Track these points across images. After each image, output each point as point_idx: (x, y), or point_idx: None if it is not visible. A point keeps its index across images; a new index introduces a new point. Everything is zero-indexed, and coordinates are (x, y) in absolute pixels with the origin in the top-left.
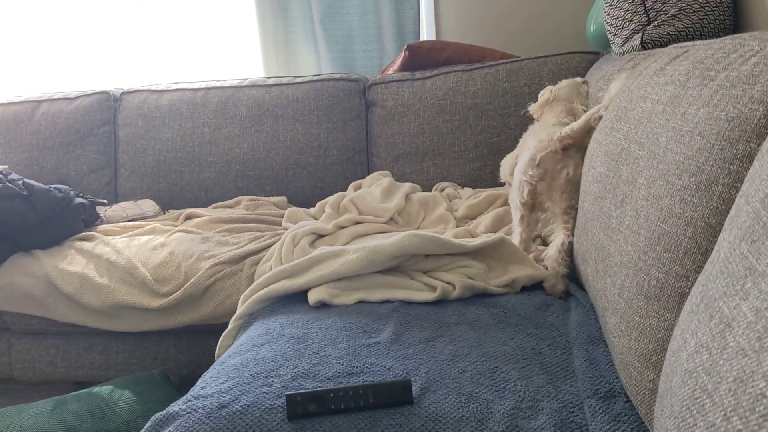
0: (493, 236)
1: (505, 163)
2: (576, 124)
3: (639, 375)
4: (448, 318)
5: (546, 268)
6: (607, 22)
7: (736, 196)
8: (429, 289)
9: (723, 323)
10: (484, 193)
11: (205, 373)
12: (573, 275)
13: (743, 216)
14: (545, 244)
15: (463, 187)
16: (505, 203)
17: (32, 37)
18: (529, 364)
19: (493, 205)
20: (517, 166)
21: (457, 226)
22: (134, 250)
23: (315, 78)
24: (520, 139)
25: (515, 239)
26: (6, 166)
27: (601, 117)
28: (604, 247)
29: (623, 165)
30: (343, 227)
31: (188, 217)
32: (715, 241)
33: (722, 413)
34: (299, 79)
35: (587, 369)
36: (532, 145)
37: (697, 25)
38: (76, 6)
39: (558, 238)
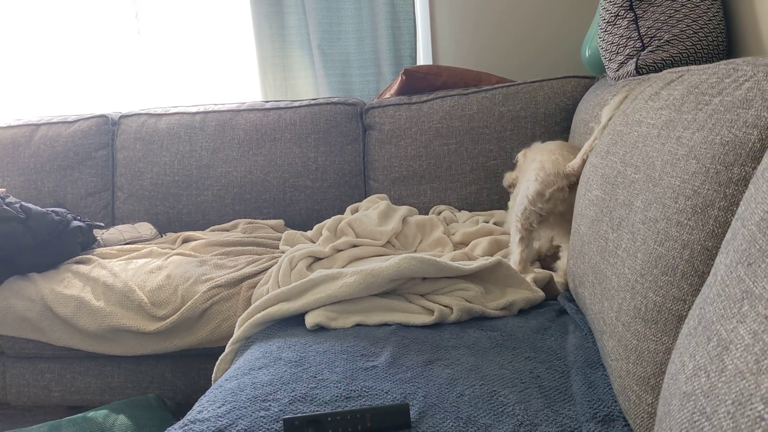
0: (491, 259)
1: (507, 177)
2: (574, 163)
3: (637, 398)
4: (446, 341)
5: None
6: (602, 48)
7: (732, 220)
8: (426, 312)
9: (721, 346)
10: (479, 224)
11: (202, 397)
12: (570, 297)
13: (739, 239)
14: (544, 263)
15: (460, 210)
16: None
17: (31, 60)
18: (528, 387)
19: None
20: (521, 193)
21: (454, 249)
22: (131, 274)
23: (312, 102)
24: (520, 156)
25: (514, 259)
26: (4, 189)
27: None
28: (601, 270)
29: (619, 188)
30: (341, 250)
31: (185, 240)
32: (712, 264)
33: None
34: (297, 103)
35: (586, 393)
36: (538, 175)
37: (690, 50)
38: (76, 30)
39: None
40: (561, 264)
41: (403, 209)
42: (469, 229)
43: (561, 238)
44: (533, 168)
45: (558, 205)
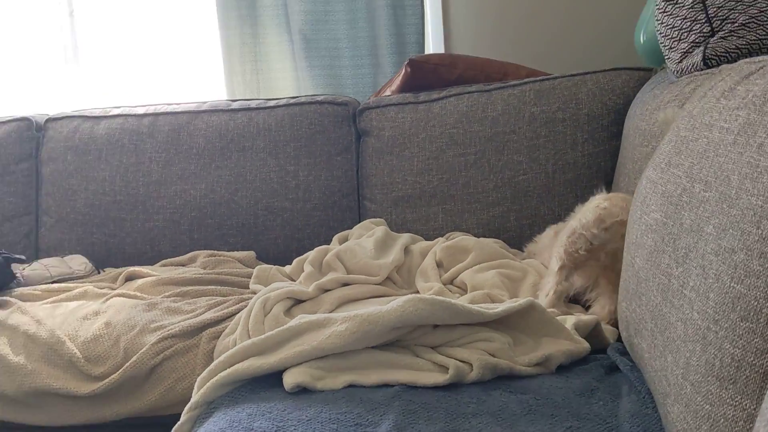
0: (520, 301)
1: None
2: None
3: None
4: (465, 407)
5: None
6: (660, 33)
7: None
8: (439, 370)
9: None
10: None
11: None
12: (623, 349)
13: None
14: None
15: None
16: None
17: None
18: None
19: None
20: (578, 216)
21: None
22: (59, 320)
23: (292, 101)
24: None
25: (545, 290)
26: None
27: None
28: (663, 314)
29: (685, 210)
30: (328, 290)
31: (129, 278)
32: None
33: None
34: (272, 103)
35: None
36: (599, 205)
37: None
38: None
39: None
40: (598, 308)
41: (405, 237)
42: (448, 243)
43: (604, 286)
44: (593, 204)
45: (616, 239)
